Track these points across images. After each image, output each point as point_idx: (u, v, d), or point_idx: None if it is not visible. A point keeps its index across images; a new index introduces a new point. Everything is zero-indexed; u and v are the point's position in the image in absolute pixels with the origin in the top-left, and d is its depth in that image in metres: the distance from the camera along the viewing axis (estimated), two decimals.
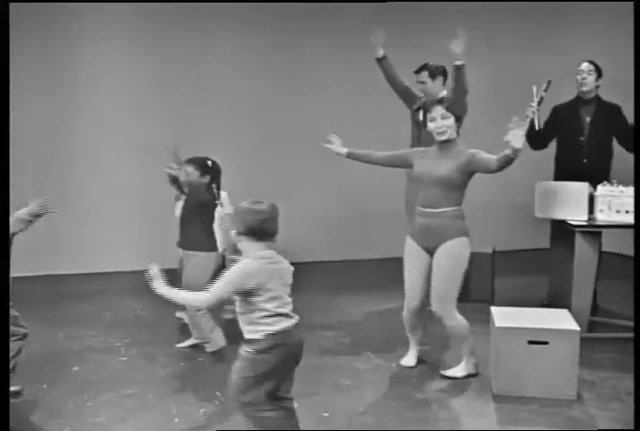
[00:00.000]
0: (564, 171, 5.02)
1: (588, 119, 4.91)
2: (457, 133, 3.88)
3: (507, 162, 3.57)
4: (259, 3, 6.91)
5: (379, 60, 5.09)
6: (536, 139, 5.05)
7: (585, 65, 4.87)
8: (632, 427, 3.19)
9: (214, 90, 6.94)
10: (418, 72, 5.04)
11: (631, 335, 4.50)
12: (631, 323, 4.73)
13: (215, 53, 6.96)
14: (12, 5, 3.90)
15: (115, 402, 3.57)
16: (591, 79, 4.84)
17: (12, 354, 3.41)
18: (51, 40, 6.53)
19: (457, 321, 3.82)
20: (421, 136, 4.92)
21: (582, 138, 4.92)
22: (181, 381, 3.88)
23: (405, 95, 5.21)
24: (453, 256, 3.76)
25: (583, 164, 4.90)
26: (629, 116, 5.17)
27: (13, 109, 3.96)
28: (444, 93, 4.94)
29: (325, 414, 3.39)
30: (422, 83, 5.01)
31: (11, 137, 3.58)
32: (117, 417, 3.40)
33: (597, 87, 4.90)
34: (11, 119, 3.73)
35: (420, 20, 7.22)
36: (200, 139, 6.73)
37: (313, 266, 6.88)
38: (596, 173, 4.71)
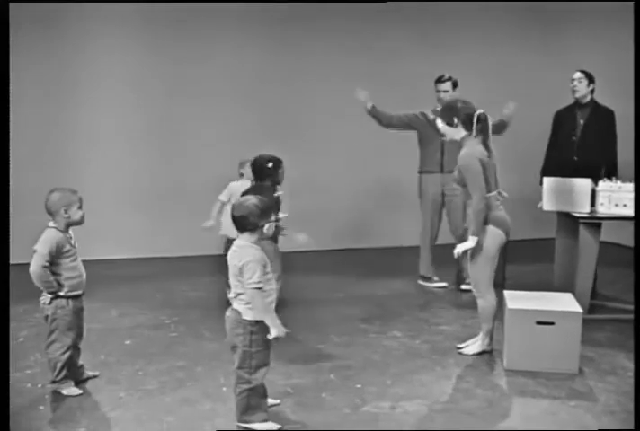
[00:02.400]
0: (555, 167, 5.39)
1: (582, 122, 5.35)
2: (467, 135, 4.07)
3: None
4: (259, 3, 6.89)
5: (370, 111, 5.58)
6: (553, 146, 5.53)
7: (577, 75, 5.31)
8: (627, 400, 3.53)
9: (214, 89, 6.95)
10: (443, 81, 5.54)
11: (626, 317, 4.89)
12: (626, 306, 5.10)
13: (215, 53, 6.95)
14: (12, 5, 3.97)
15: (166, 372, 3.83)
16: (581, 86, 5.29)
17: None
18: (51, 40, 6.50)
19: (486, 302, 4.10)
20: (443, 143, 5.36)
21: (574, 138, 5.35)
22: (228, 354, 3.95)
23: (411, 124, 5.67)
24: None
25: (574, 161, 5.33)
26: (628, 116, 5.52)
27: (13, 109, 4.04)
28: None
29: (358, 385, 3.69)
30: (446, 91, 5.53)
31: (11, 137, 3.72)
32: (168, 385, 3.66)
33: (592, 92, 5.33)
34: (11, 119, 3.85)
35: (419, 20, 7.31)
36: (200, 139, 6.94)
37: (343, 252, 7.20)
38: (587, 170, 5.09)
